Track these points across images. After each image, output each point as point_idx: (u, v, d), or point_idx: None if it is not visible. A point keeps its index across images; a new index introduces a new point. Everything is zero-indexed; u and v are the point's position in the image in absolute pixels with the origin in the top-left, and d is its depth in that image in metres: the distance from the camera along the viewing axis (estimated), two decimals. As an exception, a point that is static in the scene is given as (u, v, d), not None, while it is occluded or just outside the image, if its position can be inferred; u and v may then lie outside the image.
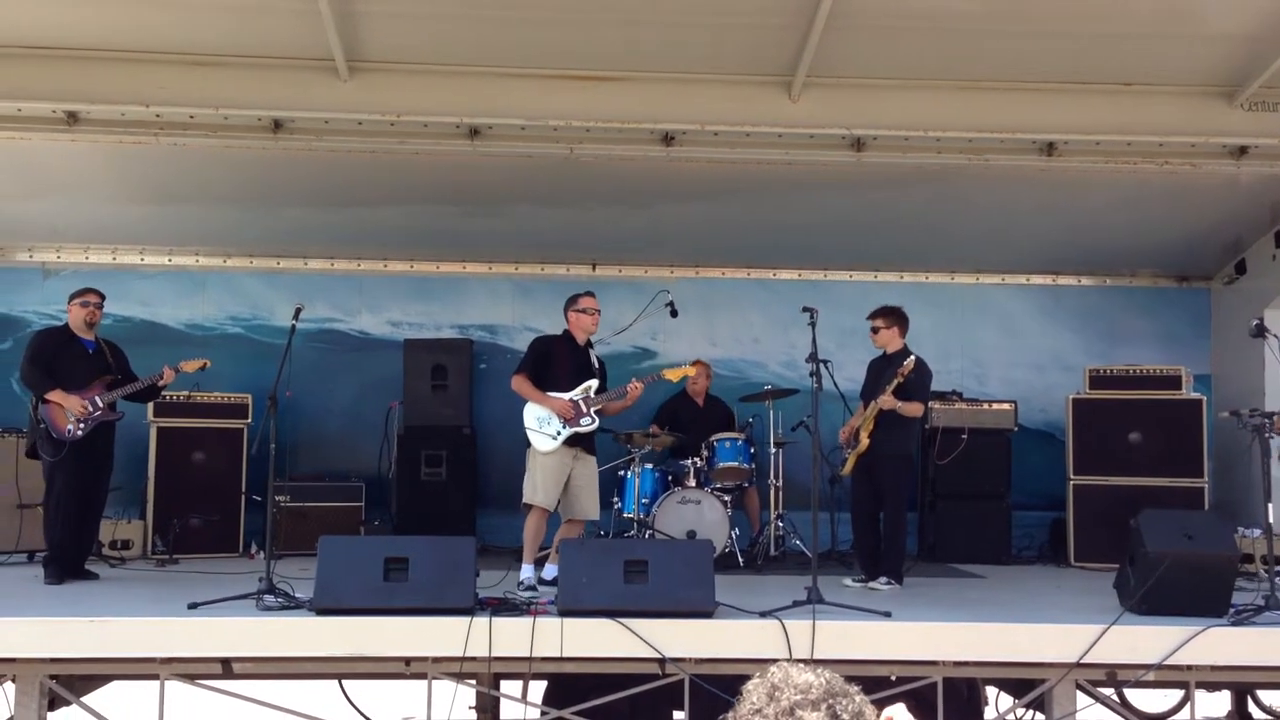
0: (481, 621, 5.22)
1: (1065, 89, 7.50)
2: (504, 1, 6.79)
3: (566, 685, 5.99)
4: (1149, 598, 5.61)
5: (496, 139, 7.64)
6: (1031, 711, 6.09)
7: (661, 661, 5.28)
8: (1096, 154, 7.82)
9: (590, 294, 7.14)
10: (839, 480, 7.41)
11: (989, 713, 6.59)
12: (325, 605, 5.37)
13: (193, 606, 5.49)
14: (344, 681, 6.47)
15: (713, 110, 7.49)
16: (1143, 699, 7.11)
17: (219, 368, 7.93)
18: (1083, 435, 8.65)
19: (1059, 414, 9.03)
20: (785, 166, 7.89)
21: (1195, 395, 8.69)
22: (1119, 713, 5.97)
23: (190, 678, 5.42)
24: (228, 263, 9.63)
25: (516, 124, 7.53)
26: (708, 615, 5.42)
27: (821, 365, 6.25)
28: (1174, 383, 8.65)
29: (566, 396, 6.78)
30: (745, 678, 1.86)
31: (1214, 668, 5.47)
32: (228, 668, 5.37)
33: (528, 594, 6.15)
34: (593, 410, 6.80)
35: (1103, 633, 5.30)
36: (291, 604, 5.56)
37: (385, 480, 9.03)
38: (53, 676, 5.29)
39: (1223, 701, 7.50)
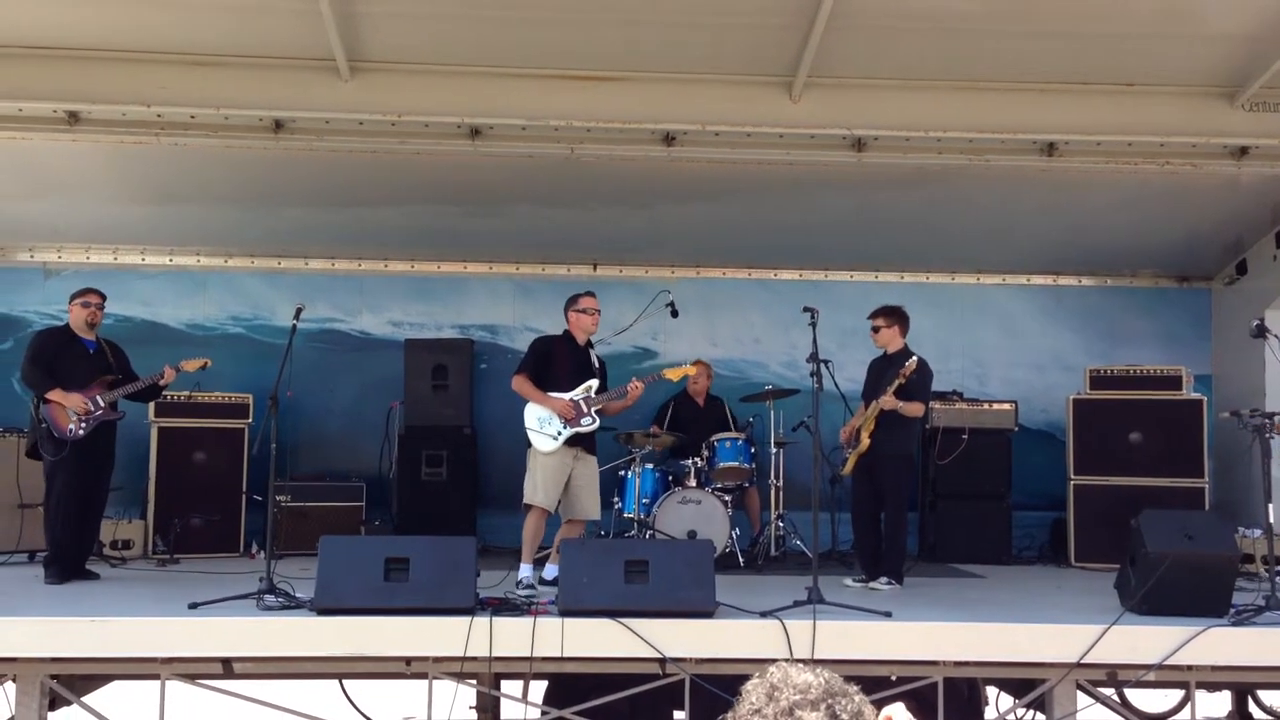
0: (482, 621, 5.22)
1: (1066, 89, 7.50)
2: (505, 1, 6.79)
3: (567, 685, 5.99)
4: (1149, 598, 5.61)
5: (497, 139, 7.64)
6: (1032, 711, 6.09)
7: (662, 661, 5.28)
8: (1097, 154, 7.82)
9: (590, 294, 7.15)
10: (839, 480, 7.41)
11: (989, 713, 6.59)
12: (326, 605, 5.37)
13: (193, 606, 5.49)
14: (345, 681, 6.47)
15: (714, 110, 7.49)
16: (1143, 699, 7.11)
17: (220, 368, 7.94)
18: (1083, 435, 8.65)
19: (1060, 414, 9.03)
20: (786, 167, 7.89)
21: (1196, 395, 8.69)
22: (1119, 713, 5.97)
23: (191, 678, 5.42)
24: (229, 263, 9.63)
25: (517, 124, 7.53)
26: (708, 615, 5.43)
27: (822, 365, 6.25)
28: (1175, 383, 8.65)
29: (567, 396, 6.78)
30: (746, 678, 1.86)
31: (1214, 668, 5.47)
32: (228, 668, 5.37)
33: (526, 594, 6.15)
34: (593, 410, 6.80)
35: (1103, 633, 5.30)
36: (292, 604, 5.57)
37: (386, 480, 9.03)
38: (53, 676, 5.29)
39: (1223, 702, 7.50)
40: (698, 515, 7.86)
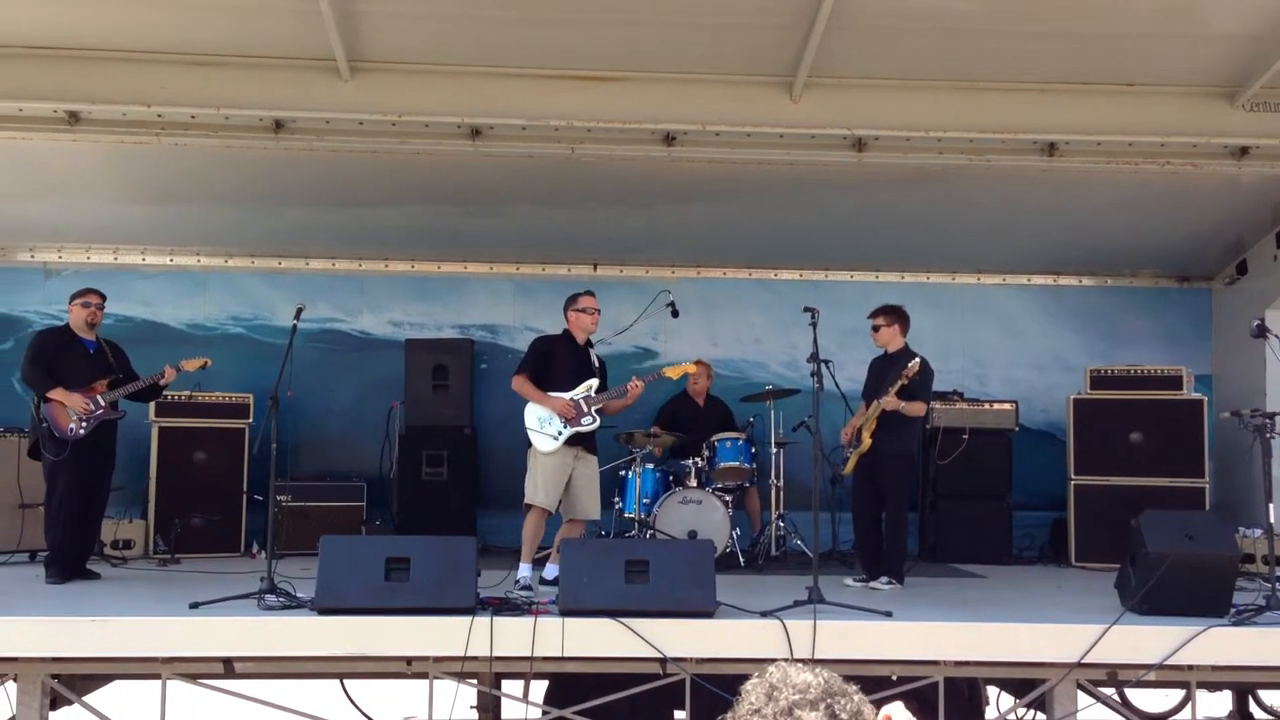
0: (483, 621, 5.23)
1: (1066, 89, 7.50)
2: (505, 1, 6.79)
3: (568, 685, 5.99)
4: (1150, 598, 5.61)
5: (498, 139, 7.64)
6: (1032, 711, 6.10)
7: (663, 661, 5.28)
8: (1098, 154, 7.82)
9: (590, 293, 7.14)
10: (840, 480, 7.41)
11: (990, 712, 6.59)
12: (327, 605, 5.37)
13: (194, 606, 5.49)
14: (345, 681, 6.47)
15: (714, 110, 7.49)
16: (1144, 699, 7.11)
17: (220, 368, 7.95)
18: (1084, 435, 8.65)
19: (1060, 414, 9.04)
20: (786, 167, 7.89)
21: (1196, 395, 8.69)
22: (1120, 713, 5.97)
23: (192, 677, 5.42)
24: (229, 263, 9.63)
25: (518, 124, 7.53)
26: (709, 615, 5.43)
27: (823, 365, 6.25)
28: (1175, 383, 8.65)
29: (567, 396, 6.78)
30: (746, 678, 1.86)
31: (1215, 668, 5.47)
32: (229, 667, 5.37)
33: (524, 593, 6.15)
34: (593, 409, 6.80)
35: (1104, 633, 5.30)
36: (293, 604, 5.57)
37: (386, 480, 9.03)
38: (54, 676, 5.29)
39: (1224, 702, 7.49)
40: (698, 515, 7.86)
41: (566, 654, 5.31)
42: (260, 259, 9.61)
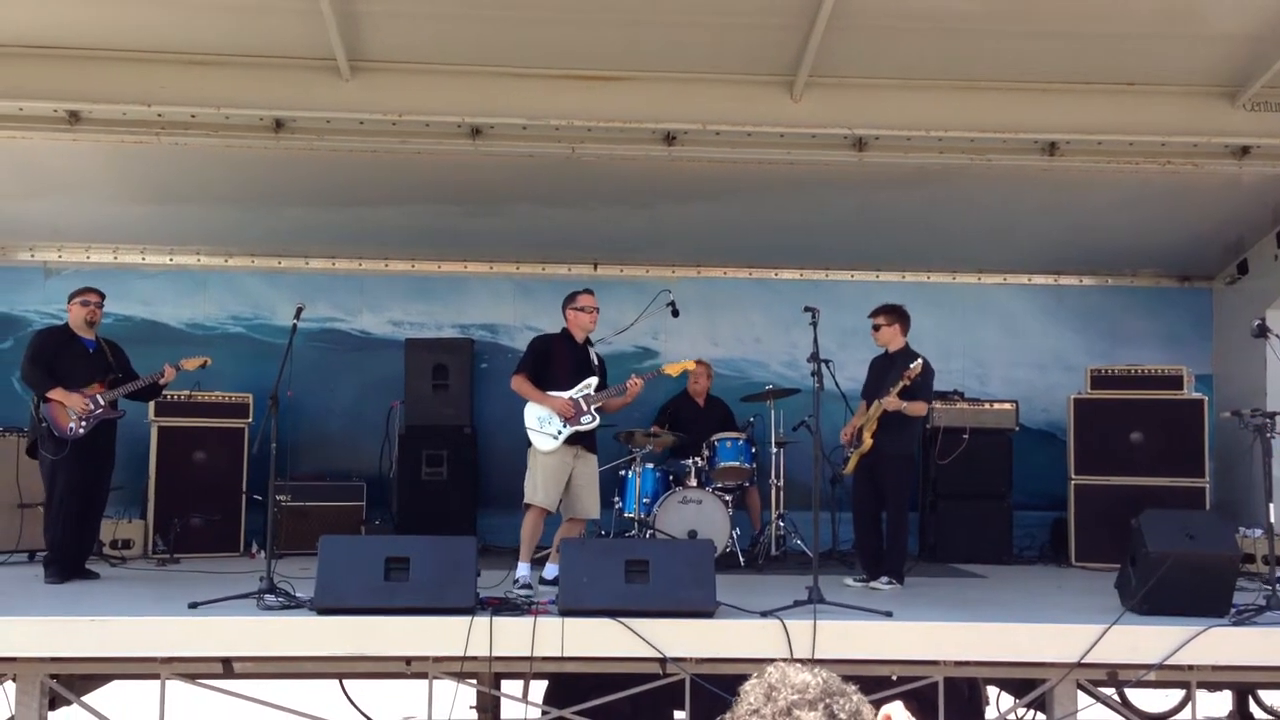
0: (482, 621, 5.22)
1: (1067, 89, 7.50)
2: (505, 1, 6.79)
3: (567, 685, 5.99)
4: (1150, 598, 5.61)
5: (498, 138, 7.64)
6: (1033, 711, 6.09)
7: (662, 661, 5.28)
8: (1098, 154, 7.82)
9: (588, 291, 7.12)
10: (840, 480, 7.41)
11: (990, 712, 6.59)
12: (326, 605, 5.37)
13: (193, 606, 5.49)
14: (345, 681, 6.47)
15: (714, 110, 7.49)
16: (1144, 699, 7.11)
17: (220, 367, 7.95)
18: (1084, 435, 8.64)
19: (1060, 414, 9.03)
20: (787, 166, 7.89)
21: (1197, 395, 8.68)
22: (1120, 712, 5.96)
23: (191, 677, 5.42)
24: (229, 262, 9.63)
25: (518, 123, 7.53)
26: (709, 615, 5.42)
27: (823, 365, 6.25)
28: (1175, 383, 8.64)
29: (566, 395, 6.77)
30: (746, 678, 1.85)
31: (1215, 668, 5.47)
32: (229, 667, 5.37)
33: (524, 593, 6.14)
34: (593, 408, 6.78)
35: (1104, 633, 5.30)
36: (292, 603, 5.56)
37: (386, 480, 9.03)
38: (53, 676, 5.29)
39: (1224, 701, 7.49)
40: (698, 515, 7.86)
41: (566, 654, 5.30)
42: (260, 258, 9.61)
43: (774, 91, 7.48)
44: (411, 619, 5.32)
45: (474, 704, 6.32)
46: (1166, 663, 5.29)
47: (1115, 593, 6.05)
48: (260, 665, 5.43)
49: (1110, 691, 5.69)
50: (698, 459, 8.15)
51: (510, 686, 6.27)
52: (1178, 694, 6.83)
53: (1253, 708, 7.44)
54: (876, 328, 7.35)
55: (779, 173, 8.01)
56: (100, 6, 6.83)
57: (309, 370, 9.03)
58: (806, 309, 6.38)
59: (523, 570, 6.60)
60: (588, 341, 7.07)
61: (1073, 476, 8.61)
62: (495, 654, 5.20)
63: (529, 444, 6.81)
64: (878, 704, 1.90)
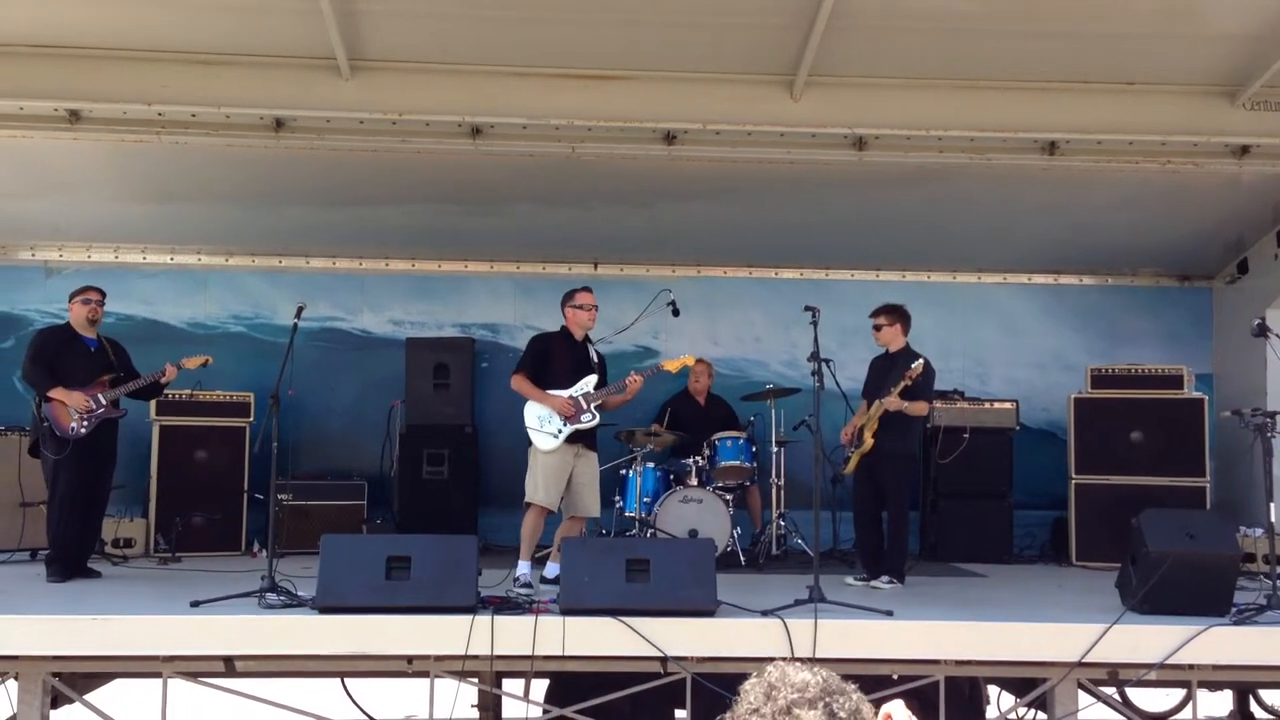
0: (484, 620, 5.23)
1: (1067, 88, 7.50)
2: (506, 1, 6.79)
3: (568, 684, 5.99)
4: (1151, 597, 5.61)
5: (498, 138, 7.65)
6: (1033, 711, 6.10)
7: (663, 660, 5.29)
8: (1098, 153, 7.82)
9: (587, 289, 7.12)
10: (841, 479, 7.41)
11: (991, 712, 6.59)
12: (328, 603, 5.37)
13: (195, 605, 5.50)
14: (346, 680, 6.48)
15: (714, 109, 7.49)
16: (1144, 698, 7.11)
17: (221, 366, 7.96)
18: (1084, 434, 8.65)
19: (1061, 413, 9.03)
20: (787, 166, 7.89)
21: (1197, 395, 8.68)
22: (1121, 712, 5.96)
23: (193, 676, 5.42)
24: (230, 261, 9.63)
25: (518, 123, 7.54)
26: (709, 614, 5.43)
27: (823, 364, 6.25)
28: (1176, 382, 8.65)
29: (566, 393, 6.77)
30: (747, 677, 1.86)
31: (1216, 667, 5.48)
32: (230, 666, 5.37)
33: (525, 591, 6.14)
34: (593, 406, 6.78)
35: (1104, 632, 5.30)
36: (294, 602, 5.57)
37: (387, 479, 9.04)
38: (55, 674, 5.29)
39: (1224, 701, 7.50)
40: (699, 514, 7.86)
41: (567, 653, 5.31)
42: (261, 258, 9.61)
43: (774, 91, 7.48)
44: (413, 618, 5.32)
45: (475, 703, 6.33)
46: (1167, 662, 5.29)
47: (1116, 592, 6.05)
48: (262, 664, 5.43)
49: (1111, 691, 5.69)
50: (698, 458, 8.16)
51: (511, 685, 6.27)
52: (1178, 693, 6.83)
53: (1253, 707, 7.45)
54: (878, 328, 7.35)
55: (779, 172, 8.01)
56: (101, 6, 6.83)
57: (310, 369, 9.04)
58: (807, 308, 6.39)
59: (523, 569, 6.60)
60: (587, 339, 7.07)
61: (1073, 476, 8.61)
62: (496, 653, 5.20)
63: (529, 443, 6.82)
64: (878, 703, 1.90)
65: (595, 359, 7.04)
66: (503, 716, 7.02)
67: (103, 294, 7.24)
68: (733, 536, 7.92)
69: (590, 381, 6.84)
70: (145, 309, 9.50)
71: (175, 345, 8.57)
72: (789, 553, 8.35)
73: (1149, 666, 5.31)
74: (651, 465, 8.25)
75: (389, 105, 7.36)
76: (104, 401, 6.90)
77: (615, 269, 9.68)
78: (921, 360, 6.93)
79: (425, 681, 5.38)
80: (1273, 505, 5.99)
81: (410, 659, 5.38)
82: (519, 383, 6.82)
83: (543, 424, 6.74)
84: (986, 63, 7.25)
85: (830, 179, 8.18)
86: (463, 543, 5.68)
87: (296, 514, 8.36)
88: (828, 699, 1.77)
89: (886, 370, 7.17)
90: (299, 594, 5.63)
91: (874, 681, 5.20)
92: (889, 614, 5.55)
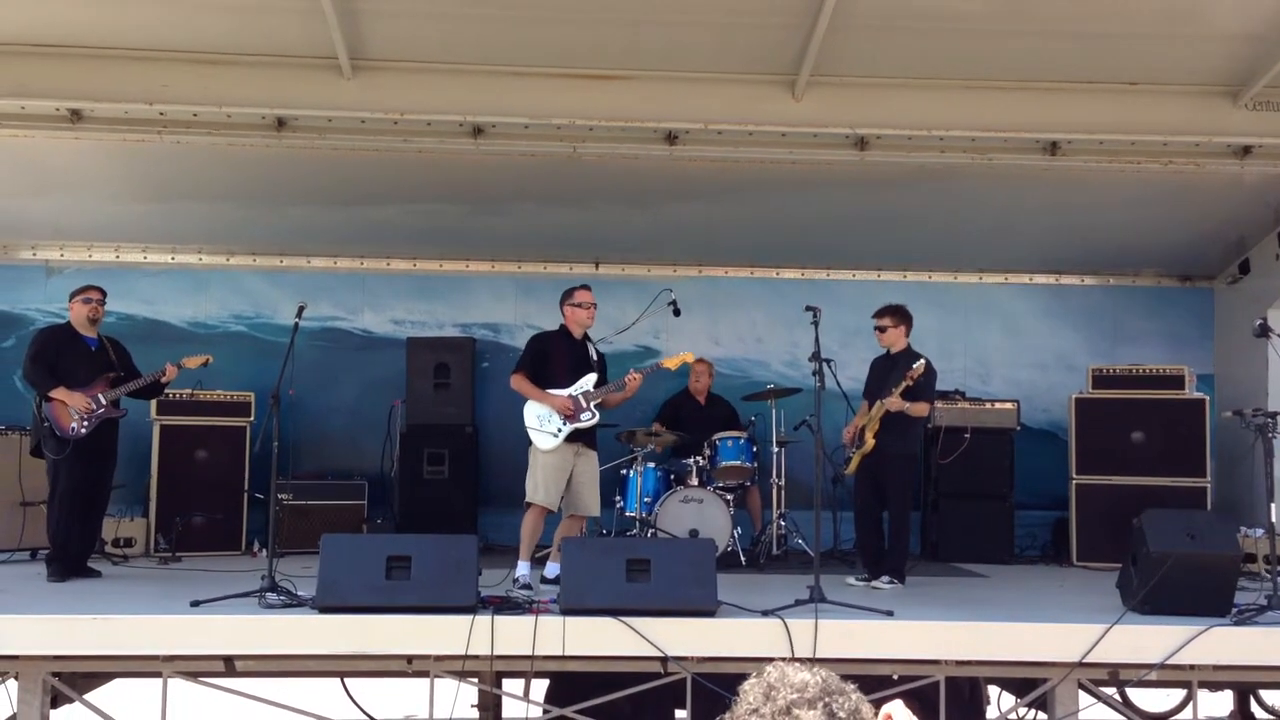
0: (484, 620, 5.22)
1: (1069, 88, 7.50)
2: (507, 0, 6.79)
3: (569, 684, 5.99)
4: (1151, 597, 5.60)
5: (500, 138, 7.66)
6: (1034, 711, 6.09)
7: (664, 660, 5.28)
8: (1100, 153, 7.82)
9: (585, 287, 7.09)
10: (841, 479, 7.41)
11: (991, 712, 6.59)
12: (328, 603, 5.37)
13: (195, 604, 5.50)
14: (346, 680, 6.47)
15: (716, 109, 7.49)
16: (1145, 698, 7.11)
17: (222, 366, 7.96)
18: (1086, 435, 8.64)
19: (1062, 413, 9.03)
20: (789, 166, 7.90)
21: (1198, 395, 8.68)
22: (1121, 712, 5.96)
23: (193, 675, 5.42)
24: (231, 261, 9.63)
25: (520, 123, 7.55)
26: (710, 614, 5.42)
27: (824, 364, 6.25)
28: (1177, 382, 8.64)
29: (565, 392, 6.77)
30: (748, 677, 1.85)
31: (1216, 667, 5.47)
32: (230, 665, 5.37)
33: (525, 592, 6.14)
34: (592, 404, 6.77)
35: (1105, 632, 5.29)
36: (294, 602, 5.57)
37: (388, 479, 9.03)
38: (55, 674, 5.29)
39: (1225, 701, 7.49)
40: (699, 514, 7.86)
41: (568, 653, 5.31)
42: (262, 257, 9.61)
43: (776, 91, 7.48)
44: (413, 618, 5.32)
45: (475, 703, 6.33)
46: (1168, 662, 5.29)
47: (1116, 592, 6.04)
48: (262, 663, 5.44)
49: (1111, 691, 5.68)
50: (699, 458, 8.15)
51: (512, 685, 6.27)
52: (1179, 694, 6.82)
53: (1254, 708, 7.44)
54: (883, 329, 7.32)
55: (781, 172, 8.01)
56: (102, 5, 6.84)
57: (311, 369, 9.02)
58: (808, 308, 6.38)
59: (523, 569, 6.59)
60: (586, 337, 7.06)
61: (1074, 476, 8.61)
62: (497, 653, 5.20)
63: (529, 443, 6.81)
64: (878, 703, 1.90)
65: (595, 357, 7.03)
66: (503, 716, 7.02)
67: (104, 294, 7.24)
68: (733, 536, 7.91)
69: (590, 380, 6.83)
70: (146, 308, 9.50)
71: (176, 345, 8.57)
72: (789, 553, 8.35)
73: (1150, 667, 5.31)
74: (652, 465, 8.25)
75: (391, 105, 7.37)
76: (104, 401, 6.90)
77: (617, 269, 9.67)
78: (923, 361, 6.92)
79: (425, 681, 5.38)
80: (1273, 506, 5.99)
81: (410, 659, 5.38)
82: (518, 382, 6.81)
83: (542, 423, 6.73)
84: (988, 63, 7.25)
85: (832, 179, 8.18)
86: (463, 542, 5.67)
87: (297, 513, 8.36)
88: (827, 699, 1.77)
89: (888, 370, 7.16)
90: (299, 594, 5.63)
91: (874, 681, 5.20)
92: (889, 614, 5.55)
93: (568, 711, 5.58)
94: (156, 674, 5.33)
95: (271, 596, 5.61)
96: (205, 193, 8.65)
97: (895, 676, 5.37)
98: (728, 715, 1.83)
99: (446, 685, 5.41)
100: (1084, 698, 5.47)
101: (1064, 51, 7.16)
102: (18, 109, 7.34)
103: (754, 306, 9.85)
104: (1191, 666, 5.41)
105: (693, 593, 5.46)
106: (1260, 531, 7.41)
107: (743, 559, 7.94)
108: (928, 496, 8.83)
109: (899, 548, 7.10)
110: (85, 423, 6.81)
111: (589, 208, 8.82)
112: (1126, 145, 7.73)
